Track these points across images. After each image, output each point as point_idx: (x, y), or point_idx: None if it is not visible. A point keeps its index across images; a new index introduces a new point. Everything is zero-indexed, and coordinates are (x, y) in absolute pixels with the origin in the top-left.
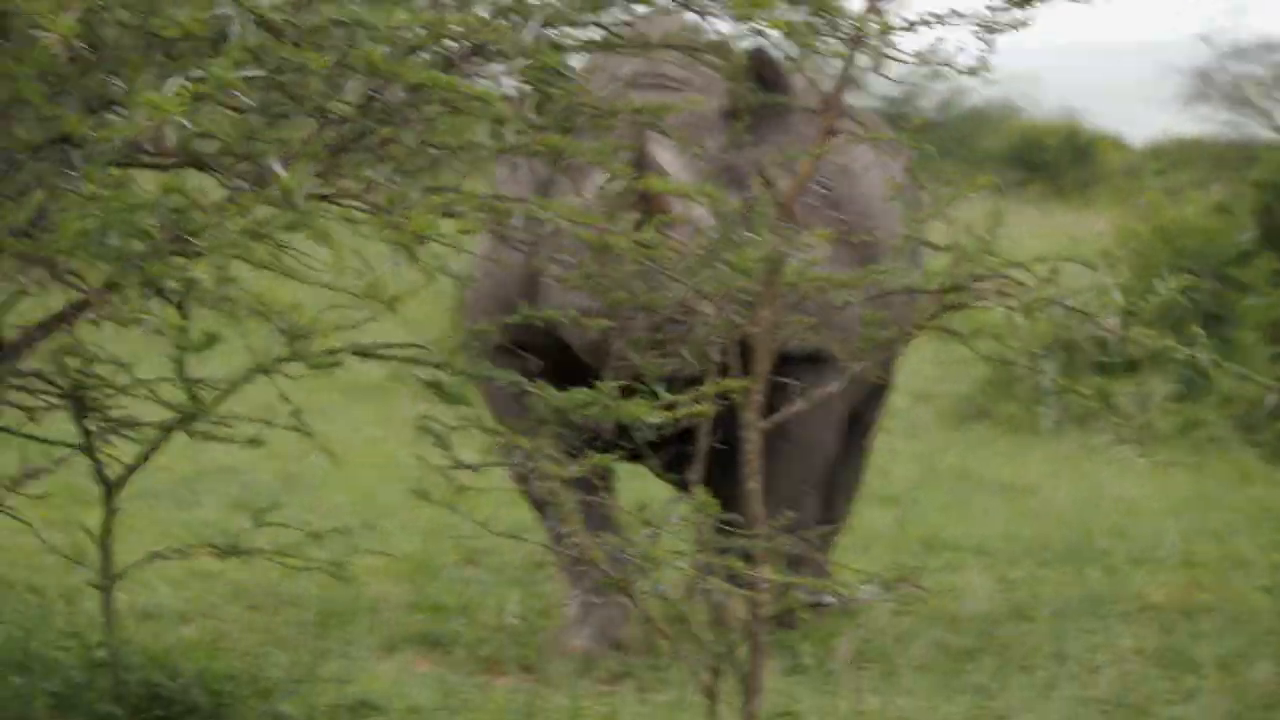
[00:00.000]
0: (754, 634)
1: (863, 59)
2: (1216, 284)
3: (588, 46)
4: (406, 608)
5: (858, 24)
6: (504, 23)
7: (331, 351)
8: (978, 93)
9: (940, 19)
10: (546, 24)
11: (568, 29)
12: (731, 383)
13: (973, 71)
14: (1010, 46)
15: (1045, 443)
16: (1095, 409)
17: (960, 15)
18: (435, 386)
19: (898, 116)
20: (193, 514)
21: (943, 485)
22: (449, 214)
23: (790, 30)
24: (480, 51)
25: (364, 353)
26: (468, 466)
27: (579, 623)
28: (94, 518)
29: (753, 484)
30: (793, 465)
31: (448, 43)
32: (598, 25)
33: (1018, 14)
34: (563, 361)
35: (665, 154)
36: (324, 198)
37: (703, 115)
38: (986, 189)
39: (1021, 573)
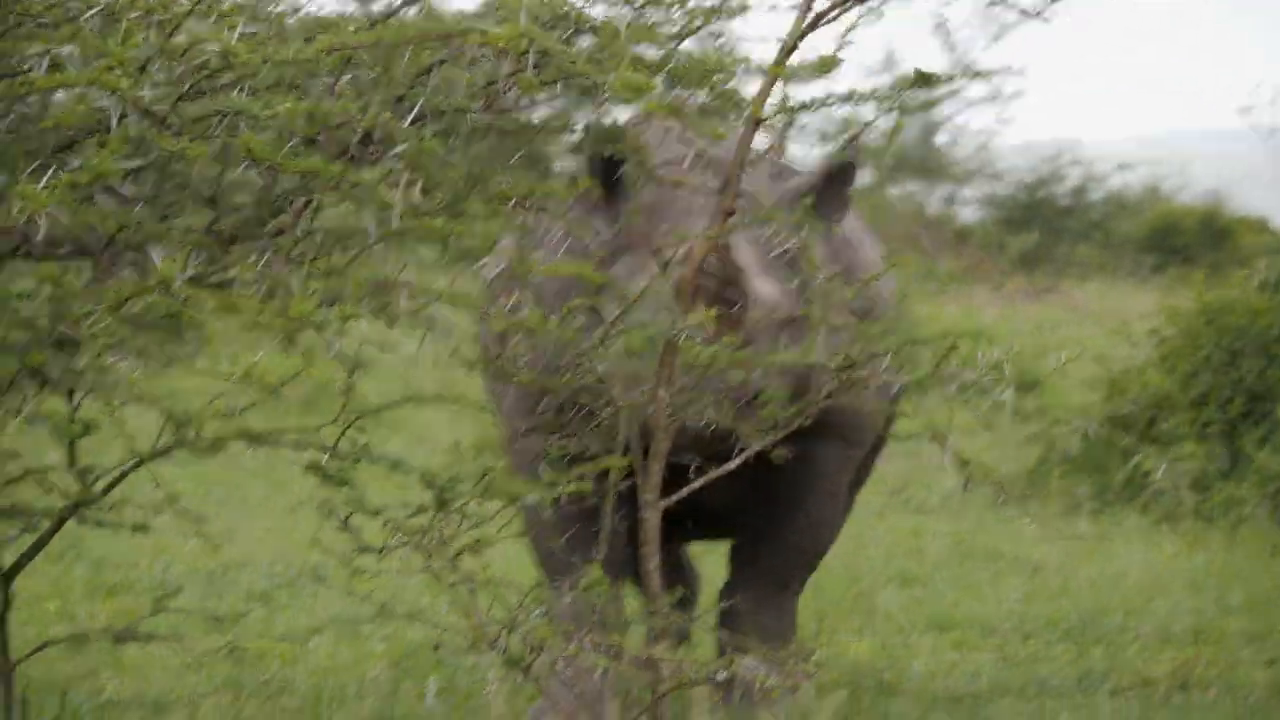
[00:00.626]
0: (655, 710)
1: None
2: (1263, 361)
3: (476, 133)
4: (393, 694)
5: (753, 105)
6: (387, 112)
7: (218, 439)
8: (1119, 178)
9: (845, 99)
10: (434, 112)
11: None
12: (614, 460)
13: (879, 153)
14: (1166, 132)
15: (1087, 522)
16: (983, 479)
17: (864, 96)
18: (318, 469)
19: (1035, 203)
20: (205, 604)
21: (970, 565)
22: (333, 300)
23: (674, 111)
24: (369, 139)
25: (252, 438)
26: (371, 550)
27: (551, 703)
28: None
29: (652, 565)
30: (802, 541)
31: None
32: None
33: (925, 93)
34: None
35: (737, 238)
36: (215, 285)
37: (758, 198)
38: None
39: (1026, 651)
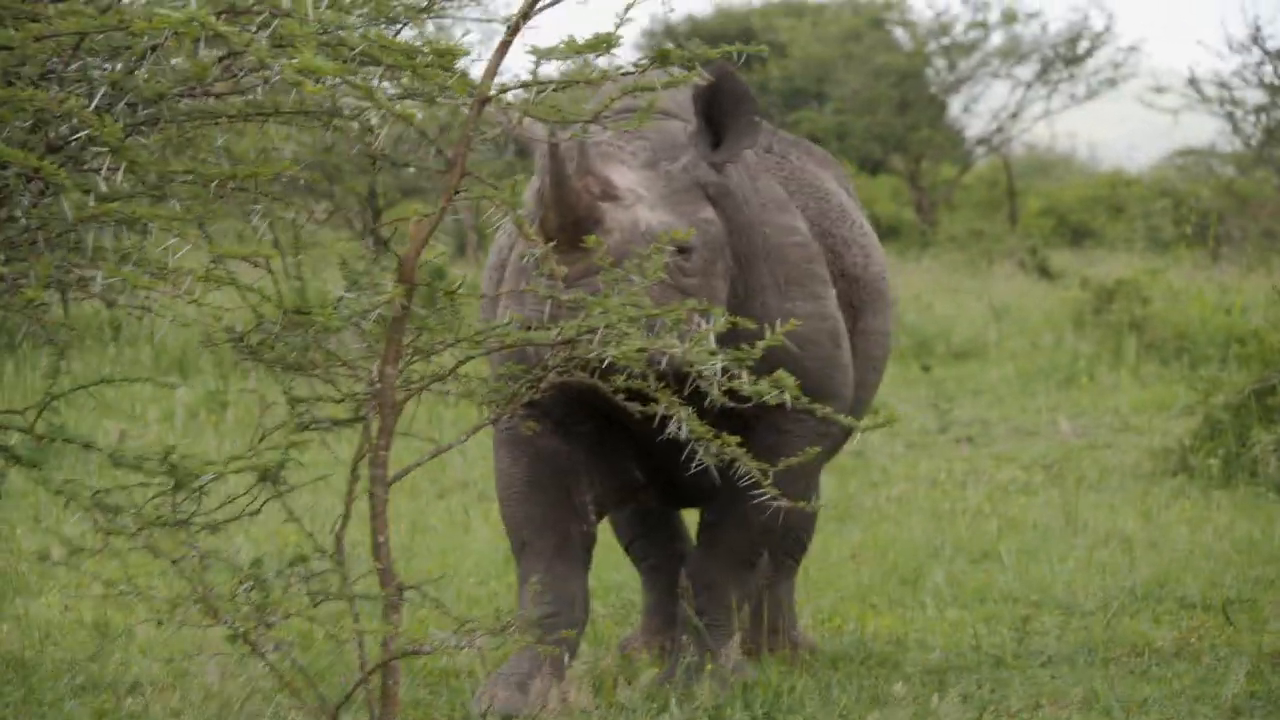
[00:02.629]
0: (385, 681)
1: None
2: None
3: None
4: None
5: (475, 87)
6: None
7: None
8: None
9: (564, 85)
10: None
11: None
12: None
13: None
14: None
15: (1228, 495)
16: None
17: (599, 74)
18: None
19: None
20: None
21: (1053, 538)
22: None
23: (371, 96)
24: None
25: None
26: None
27: (505, 674)
28: None
29: (382, 538)
30: (768, 519)
31: None
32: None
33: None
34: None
35: (623, 171)
36: None
37: (673, 135)
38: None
39: (1049, 621)
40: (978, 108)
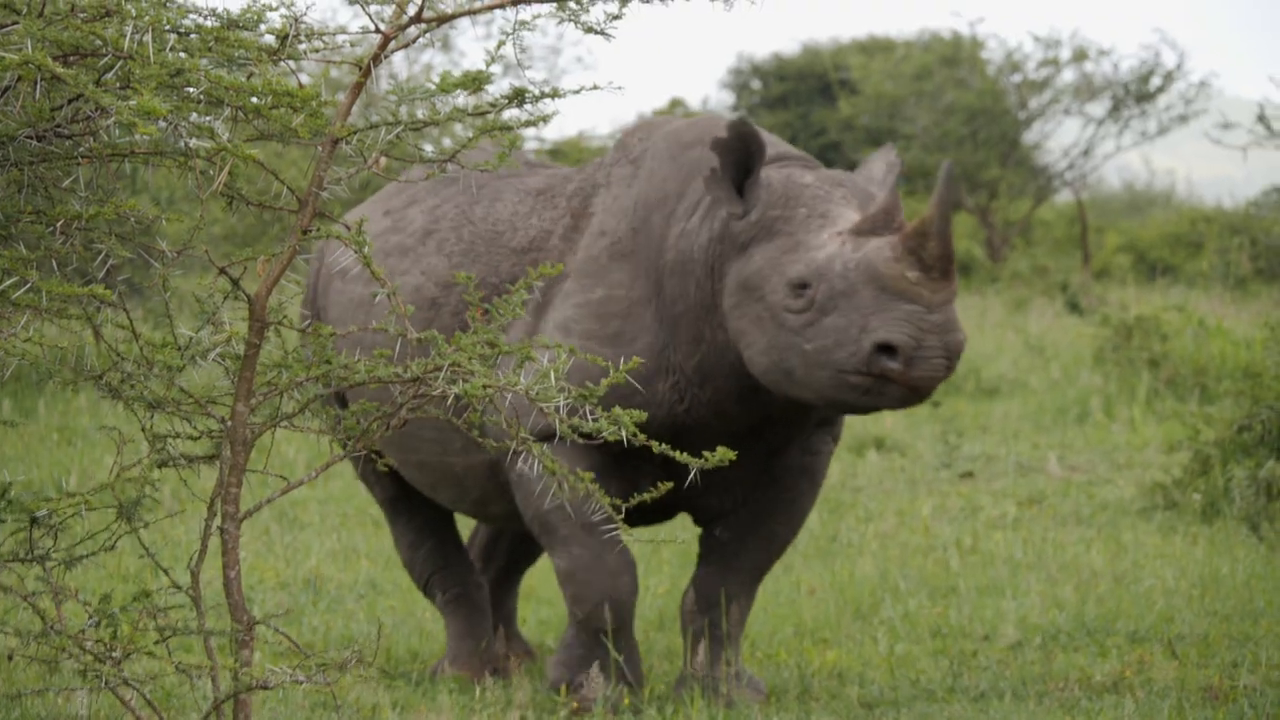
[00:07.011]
0: (236, 715)
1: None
2: None
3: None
4: None
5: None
6: None
7: None
8: None
9: (418, 126)
10: None
11: None
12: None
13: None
14: None
15: (1207, 530)
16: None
17: (462, 115)
18: None
19: None
20: None
21: (1024, 573)
22: None
23: (212, 136)
24: None
25: None
26: None
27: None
28: None
29: (232, 573)
30: (787, 534)
31: None
32: None
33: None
34: None
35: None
36: None
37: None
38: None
39: (993, 655)
40: (1050, 145)
